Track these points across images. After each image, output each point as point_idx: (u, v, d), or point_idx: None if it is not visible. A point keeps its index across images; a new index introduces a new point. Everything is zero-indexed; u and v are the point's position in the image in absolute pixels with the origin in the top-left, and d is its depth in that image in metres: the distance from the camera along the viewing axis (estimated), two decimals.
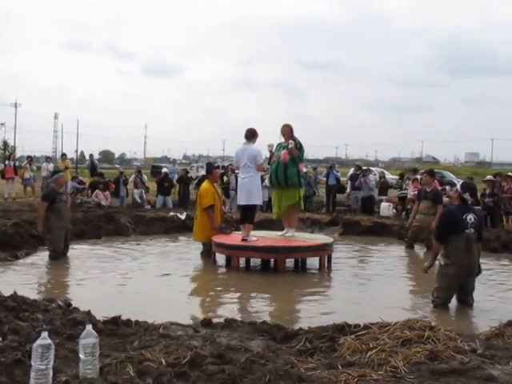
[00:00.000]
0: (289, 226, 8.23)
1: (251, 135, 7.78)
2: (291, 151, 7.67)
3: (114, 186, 14.76)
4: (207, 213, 8.31)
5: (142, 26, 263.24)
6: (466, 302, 5.54)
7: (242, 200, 7.84)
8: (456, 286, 5.47)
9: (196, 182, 15.44)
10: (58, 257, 7.80)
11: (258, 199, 7.86)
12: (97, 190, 14.11)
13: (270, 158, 8.39)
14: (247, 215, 7.88)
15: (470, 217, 5.42)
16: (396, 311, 4.90)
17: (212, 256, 7.98)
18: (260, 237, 8.01)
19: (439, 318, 4.96)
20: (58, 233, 7.83)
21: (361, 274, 7.65)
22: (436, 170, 12.41)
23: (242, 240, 7.67)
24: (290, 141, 7.75)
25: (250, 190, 7.70)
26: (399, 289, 6.65)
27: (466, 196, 5.52)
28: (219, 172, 9.81)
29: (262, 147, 8.28)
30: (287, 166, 7.77)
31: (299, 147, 7.86)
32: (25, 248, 8.23)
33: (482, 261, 8.10)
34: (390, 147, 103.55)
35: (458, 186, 5.71)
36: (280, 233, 8.31)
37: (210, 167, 9.23)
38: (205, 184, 8.72)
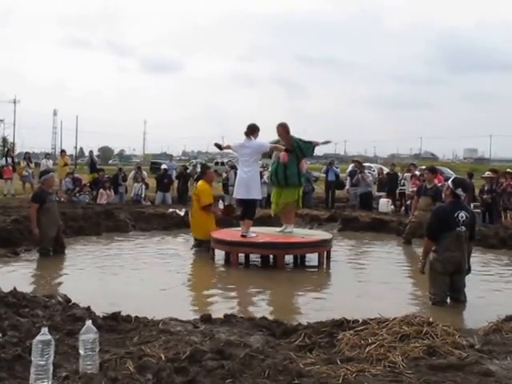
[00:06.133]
0: (287, 222, 8.24)
1: (250, 131, 7.70)
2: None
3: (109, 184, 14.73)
4: (207, 210, 8.52)
5: (141, 22, 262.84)
6: (457, 299, 5.54)
7: (238, 194, 7.82)
8: (447, 282, 5.47)
9: (195, 177, 15.47)
10: (48, 255, 7.78)
11: (257, 194, 7.83)
12: (101, 190, 14.09)
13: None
14: (247, 211, 7.87)
15: (462, 214, 5.39)
16: (394, 307, 4.91)
17: (211, 252, 7.99)
18: (259, 233, 8.02)
19: (437, 313, 4.97)
20: (49, 232, 7.80)
21: (359, 269, 7.67)
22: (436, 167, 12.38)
23: (242, 236, 7.67)
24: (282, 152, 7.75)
25: (249, 184, 7.67)
26: (397, 285, 6.66)
27: (459, 192, 5.49)
28: (213, 172, 10.03)
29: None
30: (287, 167, 7.77)
31: (296, 146, 7.77)
32: (24, 244, 8.23)
33: (480, 256, 8.23)
34: (389, 143, 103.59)
35: (450, 182, 5.66)
36: (279, 229, 8.33)
37: (204, 168, 9.55)
38: (201, 183, 8.88)
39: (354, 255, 9.11)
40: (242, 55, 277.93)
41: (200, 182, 9.00)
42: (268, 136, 8.47)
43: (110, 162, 59.41)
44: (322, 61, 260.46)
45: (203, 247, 8.51)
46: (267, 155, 8.23)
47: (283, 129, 7.82)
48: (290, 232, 8.12)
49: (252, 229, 7.95)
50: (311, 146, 7.97)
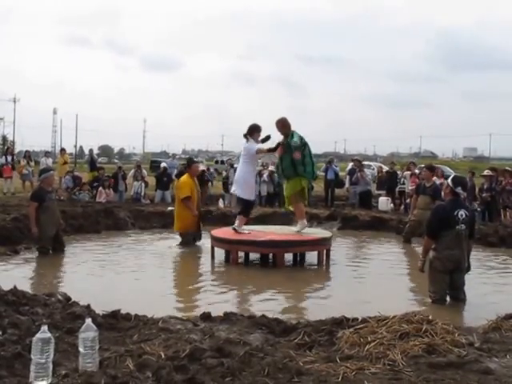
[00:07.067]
0: (298, 219, 8.16)
1: (248, 132, 7.84)
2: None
3: (113, 181, 14.76)
4: (185, 203, 8.79)
5: (140, 21, 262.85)
6: (457, 298, 5.55)
7: (233, 189, 8.28)
8: (446, 280, 5.47)
9: (175, 174, 15.57)
10: (47, 253, 7.78)
11: (244, 194, 7.94)
12: (100, 188, 14.11)
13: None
14: (242, 208, 8.18)
15: (462, 213, 5.40)
16: (394, 305, 4.91)
17: (210, 250, 7.99)
18: (259, 231, 8.03)
19: (437, 311, 4.98)
20: (48, 231, 7.79)
21: (359, 268, 7.67)
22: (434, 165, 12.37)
23: (232, 229, 7.87)
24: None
25: (239, 183, 7.95)
26: (397, 283, 6.67)
27: (458, 190, 5.50)
28: (199, 166, 10.16)
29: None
30: (282, 160, 7.79)
31: (290, 140, 7.61)
32: (24, 243, 8.23)
33: (479, 255, 8.23)
34: (389, 142, 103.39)
35: (449, 181, 5.67)
36: (279, 227, 8.39)
37: (190, 161, 9.69)
38: (184, 177, 9.19)
39: (354, 253, 9.12)
40: (242, 54, 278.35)
41: (183, 176, 9.28)
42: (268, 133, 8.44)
43: (101, 159, 58.96)
44: (321, 60, 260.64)
45: (184, 241, 8.87)
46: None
47: (280, 124, 7.76)
48: (301, 229, 7.94)
49: (252, 227, 8.11)
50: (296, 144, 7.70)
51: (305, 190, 7.97)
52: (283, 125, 7.76)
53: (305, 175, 7.79)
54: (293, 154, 7.60)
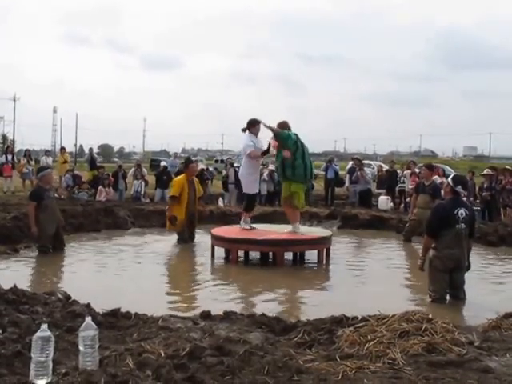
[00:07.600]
0: (291, 220, 8.14)
1: (246, 127, 7.89)
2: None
3: (112, 179, 14.77)
4: (170, 201, 9.04)
5: (141, 20, 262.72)
6: (457, 296, 5.55)
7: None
8: (446, 279, 5.47)
9: (175, 172, 15.54)
10: (47, 252, 7.75)
11: (246, 188, 8.19)
12: (100, 187, 14.11)
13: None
14: (245, 203, 8.36)
15: (462, 212, 5.40)
16: (394, 304, 4.91)
17: (210, 249, 8.00)
18: (259, 230, 8.03)
19: (436, 310, 4.98)
20: (47, 230, 7.77)
21: (359, 267, 7.67)
22: (434, 164, 12.37)
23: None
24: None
25: (242, 179, 8.24)
26: (397, 282, 6.67)
27: (459, 189, 5.50)
28: (196, 166, 10.17)
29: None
30: (277, 159, 7.80)
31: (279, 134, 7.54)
32: (24, 241, 8.22)
33: (479, 254, 8.24)
34: (389, 141, 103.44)
35: (450, 180, 5.68)
36: (281, 226, 8.44)
37: (188, 161, 9.70)
38: (180, 176, 9.28)
39: (354, 252, 9.12)
40: (242, 53, 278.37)
41: (180, 176, 9.33)
42: (268, 133, 8.44)
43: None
44: (322, 59, 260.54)
45: (180, 238, 8.98)
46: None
47: (278, 125, 7.72)
48: (293, 232, 7.82)
49: (252, 226, 8.14)
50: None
51: (295, 195, 7.67)
52: (278, 124, 7.67)
53: (294, 179, 7.59)
54: (283, 152, 7.45)
